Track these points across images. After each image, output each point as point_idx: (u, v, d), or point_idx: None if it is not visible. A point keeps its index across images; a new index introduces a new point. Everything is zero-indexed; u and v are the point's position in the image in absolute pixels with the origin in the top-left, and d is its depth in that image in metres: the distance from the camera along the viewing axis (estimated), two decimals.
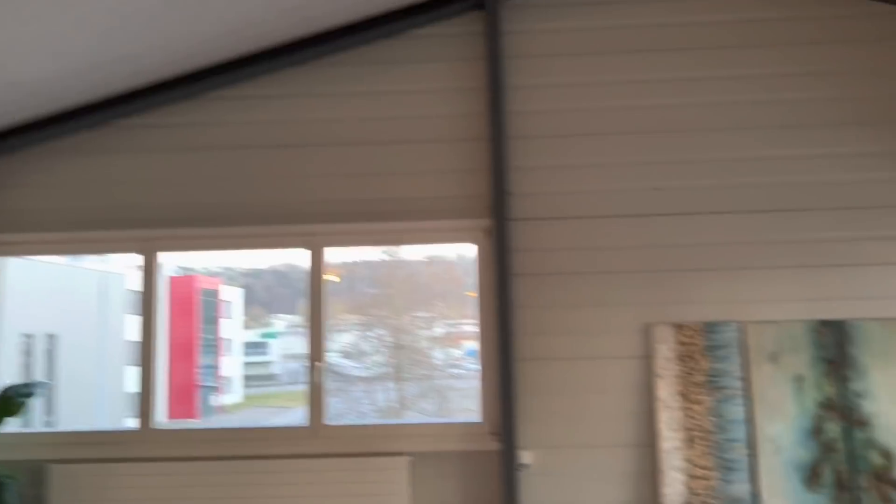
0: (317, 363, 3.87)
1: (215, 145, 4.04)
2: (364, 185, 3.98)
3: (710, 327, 3.71)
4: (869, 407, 3.55)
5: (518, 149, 3.90)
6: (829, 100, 3.85)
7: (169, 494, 3.71)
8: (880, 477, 3.48)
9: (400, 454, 3.70)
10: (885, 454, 3.50)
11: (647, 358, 3.73)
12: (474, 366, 3.95)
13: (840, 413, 3.56)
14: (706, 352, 3.67)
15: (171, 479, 3.72)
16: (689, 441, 3.58)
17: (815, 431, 3.54)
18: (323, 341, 3.92)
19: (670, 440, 3.59)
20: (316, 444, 3.79)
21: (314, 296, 3.96)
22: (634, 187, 3.87)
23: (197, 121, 4.06)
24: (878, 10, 3.90)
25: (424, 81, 4.02)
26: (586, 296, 3.81)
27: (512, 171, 3.87)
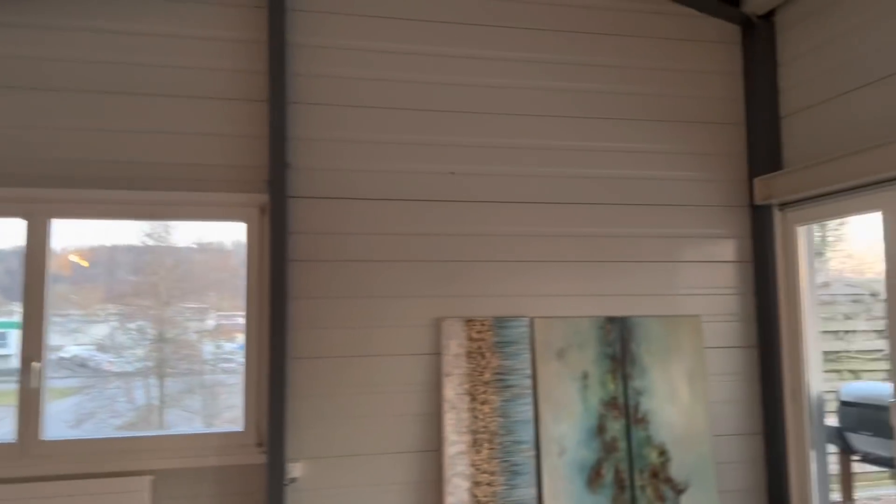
0: (33, 364, 3.08)
1: None
2: (108, 145, 3.25)
3: (500, 322, 3.49)
4: (648, 404, 3.54)
5: (300, 116, 3.41)
6: (626, 94, 3.80)
7: None
8: (656, 474, 3.48)
9: (140, 473, 3.06)
10: (662, 451, 3.50)
11: (436, 355, 3.42)
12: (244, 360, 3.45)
13: (622, 411, 3.51)
14: (496, 348, 3.45)
15: None
16: (476, 445, 3.33)
17: (599, 430, 3.46)
18: (43, 336, 3.14)
19: (456, 444, 3.32)
20: (27, 464, 3.02)
21: (32, 279, 3.15)
22: (427, 170, 3.54)
23: None
24: (681, 11, 3.92)
25: (193, 26, 3.37)
26: (371, 286, 3.42)
27: (292, 141, 3.37)
